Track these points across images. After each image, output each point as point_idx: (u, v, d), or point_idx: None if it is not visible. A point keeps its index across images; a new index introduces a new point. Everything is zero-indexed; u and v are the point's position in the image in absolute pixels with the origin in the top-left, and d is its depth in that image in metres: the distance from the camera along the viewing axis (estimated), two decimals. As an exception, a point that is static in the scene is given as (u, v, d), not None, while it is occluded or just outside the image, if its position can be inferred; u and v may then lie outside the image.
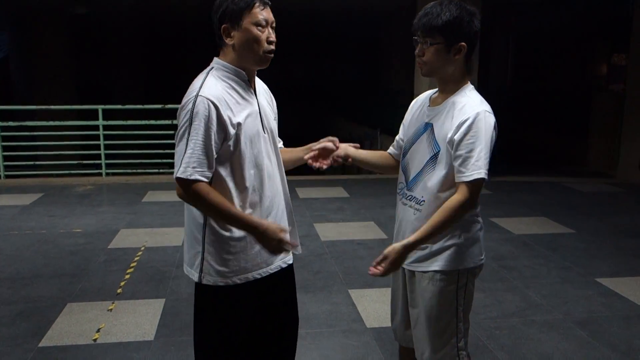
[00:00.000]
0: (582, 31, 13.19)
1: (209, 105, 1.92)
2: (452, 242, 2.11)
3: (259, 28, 1.99)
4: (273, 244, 2.04)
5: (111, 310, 3.86)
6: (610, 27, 12.08)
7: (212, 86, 1.97)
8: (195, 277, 2.13)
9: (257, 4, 1.99)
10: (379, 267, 2.00)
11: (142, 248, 5.16)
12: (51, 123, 8.76)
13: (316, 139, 2.42)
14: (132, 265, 4.72)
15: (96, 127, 8.49)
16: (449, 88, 2.12)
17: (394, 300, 2.40)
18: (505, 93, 14.95)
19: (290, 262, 2.27)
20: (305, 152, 2.37)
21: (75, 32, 13.20)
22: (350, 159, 2.38)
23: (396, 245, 2.02)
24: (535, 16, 13.46)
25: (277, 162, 2.19)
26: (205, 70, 2.06)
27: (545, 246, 5.33)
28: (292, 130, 6.10)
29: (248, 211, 2.06)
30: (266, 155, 2.11)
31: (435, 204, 2.08)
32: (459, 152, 2.00)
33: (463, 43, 2.03)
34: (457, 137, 2.00)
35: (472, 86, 2.13)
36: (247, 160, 2.03)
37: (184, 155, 1.92)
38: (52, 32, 12.11)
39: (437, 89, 2.21)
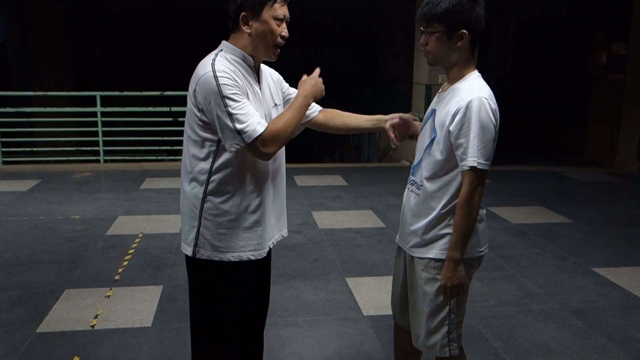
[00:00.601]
0: (582, 20, 13.14)
1: (226, 76, 1.97)
2: (447, 231, 2.11)
3: (277, 22, 2.06)
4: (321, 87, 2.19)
5: (109, 296, 3.87)
6: (610, 17, 12.03)
7: (222, 63, 2.02)
8: (189, 251, 2.15)
9: (279, 0, 2.06)
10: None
11: (140, 235, 5.17)
12: (49, 109, 8.72)
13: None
14: (130, 252, 4.73)
15: (94, 114, 8.46)
16: (453, 75, 2.12)
17: (395, 282, 2.43)
18: (504, 82, 14.92)
19: (283, 235, 2.40)
20: (373, 122, 2.43)
21: (73, 18, 13.12)
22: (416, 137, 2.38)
23: (446, 263, 2.09)
24: (535, 5, 13.41)
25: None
26: (214, 52, 2.09)
27: (542, 235, 5.34)
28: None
29: (245, 182, 2.11)
30: None
31: (429, 189, 2.11)
32: (458, 142, 2.00)
33: (464, 30, 2.02)
34: (452, 127, 2.00)
35: (477, 73, 2.12)
36: None
37: (235, 126, 1.94)
38: (50, 18, 12.03)
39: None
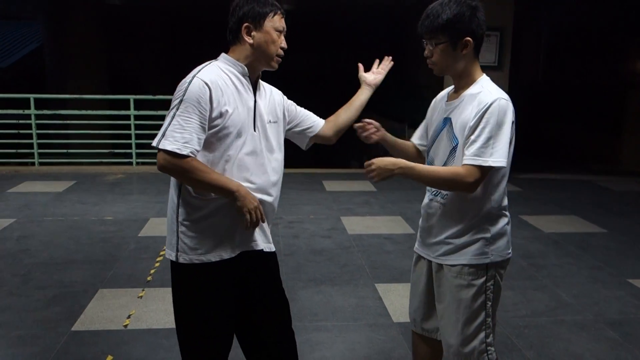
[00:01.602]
0: (617, 26, 12.91)
1: (203, 86, 1.99)
2: (480, 236, 2.12)
3: (277, 33, 2.12)
4: (250, 207, 2.04)
5: (141, 297, 3.92)
6: (647, 23, 11.79)
7: (210, 71, 2.06)
8: (172, 256, 2.17)
9: (280, 12, 2.14)
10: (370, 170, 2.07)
11: (172, 237, 5.22)
12: (84, 112, 8.90)
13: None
14: (161, 253, 4.79)
15: (128, 117, 8.61)
16: (464, 82, 2.13)
17: (415, 291, 2.41)
18: (536, 88, 14.72)
19: (272, 250, 2.31)
20: (361, 91, 2.58)
21: (108, 22, 13.36)
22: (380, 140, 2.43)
23: (392, 157, 2.07)
24: (568, 10, 13.21)
25: (267, 160, 2.19)
26: (209, 61, 2.15)
27: (575, 245, 5.25)
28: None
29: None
30: (252, 152, 2.13)
31: (457, 196, 2.10)
32: (471, 136, 2.01)
33: (468, 38, 2.03)
34: (472, 122, 2.01)
35: (487, 77, 2.13)
36: (228, 149, 2.08)
37: (169, 128, 1.97)
38: (85, 22, 12.26)
39: (453, 86, 2.23)
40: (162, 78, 15.67)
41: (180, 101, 1.99)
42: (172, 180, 2.15)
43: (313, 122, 2.44)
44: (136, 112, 8.56)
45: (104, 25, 13.02)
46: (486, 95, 2.03)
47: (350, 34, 18.08)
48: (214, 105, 2.01)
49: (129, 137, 8.70)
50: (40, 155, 8.64)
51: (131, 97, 8.55)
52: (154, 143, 2.00)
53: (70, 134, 9.49)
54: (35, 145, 8.50)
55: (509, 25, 8.04)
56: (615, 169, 9.76)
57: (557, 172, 8.97)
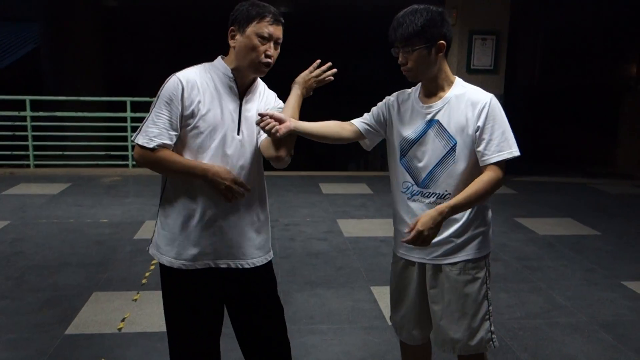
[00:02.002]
0: (612, 30, 12.96)
1: (178, 83, 2.05)
2: (479, 230, 2.21)
3: (260, 39, 2.06)
4: (221, 187, 2.07)
5: (136, 300, 3.92)
6: (643, 26, 11.84)
7: (191, 72, 2.11)
8: (150, 250, 2.25)
9: (268, 18, 2.07)
10: (411, 234, 2.02)
11: (167, 239, 5.22)
12: (80, 114, 8.89)
13: None
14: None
15: (124, 119, 8.60)
16: (440, 85, 2.18)
17: (401, 298, 2.39)
18: (532, 91, 14.76)
19: (246, 267, 2.23)
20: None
21: (104, 24, 13.34)
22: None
23: (429, 210, 2.06)
24: (565, 13, 13.25)
25: (249, 168, 2.18)
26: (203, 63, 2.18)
27: (570, 247, 5.26)
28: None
29: (194, 191, 2.13)
30: (230, 157, 2.13)
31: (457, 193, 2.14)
32: (483, 137, 2.09)
33: (442, 41, 2.10)
34: (480, 123, 2.09)
35: (461, 79, 2.22)
36: (199, 149, 2.10)
37: (145, 124, 2.06)
38: (82, 24, 12.24)
39: (415, 88, 2.28)
40: (159, 80, 15.67)
41: (158, 97, 2.07)
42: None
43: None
44: (132, 114, 8.55)
45: (101, 27, 13.01)
46: (476, 94, 2.13)
47: (350, 36, 18.11)
48: (186, 103, 2.05)
49: (125, 139, 8.69)
50: (36, 157, 8.63)
51: (127, 99, 8.55)
52: (133, 137, 2.10)
53: (66, 136, 9.47)
54: (30, 147, 8.48)
55: (505, 28, 8.06)
56: (610, 171, 9.79)
57: (552, 175, 9.00)
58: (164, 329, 3.44)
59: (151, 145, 2.03)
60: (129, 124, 8.54)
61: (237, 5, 2.12)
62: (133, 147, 8.51)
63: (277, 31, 2.10)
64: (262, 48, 2.07)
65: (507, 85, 8.33)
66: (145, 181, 7.83)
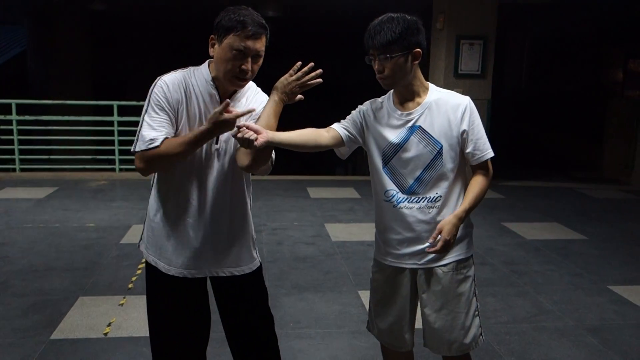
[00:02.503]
0: (598, 36, 13.09)
1: (162, 85, 2.05)
2: (467, 230, 2.27)
3: (235, 52, 1.96)
4: (213, 121, 1.95)
5: (122, 305, 3.89)
6: (627, 33, 11.97)
7: (176, 75, 2.09)
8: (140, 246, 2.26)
9: (248, 30, 1.95)
10: (438, 244, 2.11)
11: (154, 244, 5.19)
12: (66, 118, 8.82)
13: None
14: (143, 260, 4.72)
15: (111, 123, 8.55)
16: (416, 91, 2.20)
17: (388, 304, 2.36)
18: (519, 96, 14.87)
19: (240, 273, 2.24)
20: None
21: (92, 28, 13.28)
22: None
23: (448, 217, 2.14)
24: (551, 20, 13.37)
25: (225, 179, 2.14)
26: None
27: (557, 252, 5.30)
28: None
29: (169, 198, 2.15)
30: (204, 168, 2.11)
31: (453, 195, 2.21)
32: (470, 137, 2.18)
33: (418, 49, 2.12)
34: (465, 126, 2.16)
35: (434, 85, 2.26)
36: None
37: (140, 132, 2.02)
38: (69, 28, 12.19)
39: (386, 96, 2.29)
40: (147, 84, 15.60)
41: (148, 103, 2.05)
42: (155, 174, 2.17)
43: None
44: (120, 118, 8.51)
45: (88, 31, 12.95)
46: (455, 98, 2.20)
47: (340, 43, 18.15)
48: (174, 102, 2.05)
49: (112, 143, 8.63)
50: (22, 161, 8.55)
51: (114, 103, 8.50)
52: (132, 149, 2.03)
53: (53, 140, 9.40)
54: (16, 151, 8.40)
55: (493, 33, 8.12)
56: (596, 176, 9.87)
57: (538, 180, 9.05)
58: (150, 334, 3.45)
59: (154, 144, 1.97)
60: (115, 128, 8.49)
61: (222, 11, 2.03)
62: (120, 151, 8.47)
63: (257, 45, 1.99)
64: (237, 63, 1.97)
65: (495, 90, 8.38)
66: (132, 185, 7.79)
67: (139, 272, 4.49)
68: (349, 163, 16.19)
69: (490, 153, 2.21)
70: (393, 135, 2.20)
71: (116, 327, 3.55)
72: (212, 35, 2.03)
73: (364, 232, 5.72)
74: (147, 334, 3.41)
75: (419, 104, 2.19)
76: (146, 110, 2.04)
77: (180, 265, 2.16)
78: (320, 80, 2.16)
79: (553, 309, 4.01)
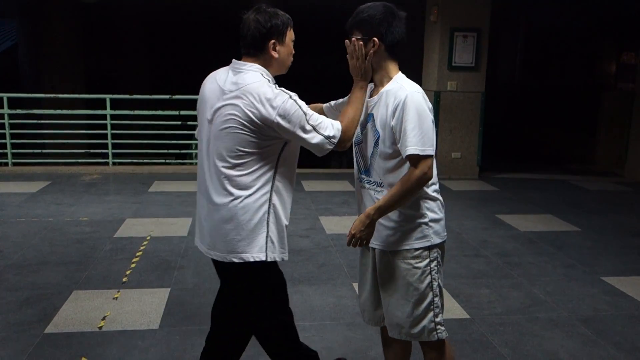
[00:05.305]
0: (591, 29, 13.11)
1: (291, 93, 2.18)
2: (419, 221, 2.26)
3: (292, 43, 2.29)
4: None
5: (117, 298, 3.88)
6: (620, 25, 12.00)
7: (270, 85, 2.17)
8: (256, 257, 2.23)
9: (291, 24, 2.28)
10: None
11: (148, 238, 5.18)
12: (59, 111, 8.77)
13: None
14: (137, 254, 4.74)
15: (104, 117, 8.51)
16: (379, 79, 2.30)
17: (362, 281, 2.53)
18: (513, 89, 14.89)
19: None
20: None
21: (84, 20, 13.19)
22: None
23: (361, 215, 2.23)
24: (545, 13, 13.39)
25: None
26: (260, 74, 2.18)
27: (550, 244, 5.32)
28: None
29: (286, 191, 2.32)
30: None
31: (389, 184, 2.25)
32: (399, 132, 2.16)
33: (375, 39, 2.20)
34: (394, 122, 2.17)
35: (402, 74, 2.29)
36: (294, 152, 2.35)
37: (318, 127, 2.16)
38: (61, 21, 12.09)
39: (373, 83, 2.38)
40: (139, 78, 15.53)
41: (299, 108, 2.14)
42: (261, 178, 2.20)
43: None
44: (112, 112, 8.47)
45: (81, 24, 12.86)
46: (399, 90, 2.20)
47: (333, 38, 18.11)
48: None
49: (105, 137, 8.60)
50: (14, 155, 8.50)
51: (107, 96, 8.45)
52: (329, 134, 2.19)
53: (45, 134, 9.34)
54: (8, 145, 8.35)
55: (486, 26, 8.11)
56: (589, 168, 9.90)
57: (532, 172, 9.08)
58: (144, 327, 3.45)
59: (333, 131, 2.17)
60: (108, 122, 8.45)
61: (259, 19, 2.17)
62: (113, 145, 8.43)
63: None
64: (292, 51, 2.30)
65: (488, 82, 8.39)
66: (126, 179, 7.76)
67: (133, 265, 4.48)
68: (343, 156, 16.18)
69: (411, 150, 2.11)
70: (363, 118, 2.33)
71: (111, 321, 3.54)
72: (273, 41, 2.20)
73: (359, 224, 5.71)
74: (142, 327, 3.44)
75: (378, 92, 2.28)
76: (302, 108, 2.14)
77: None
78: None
79: (547, 300, 4.02)
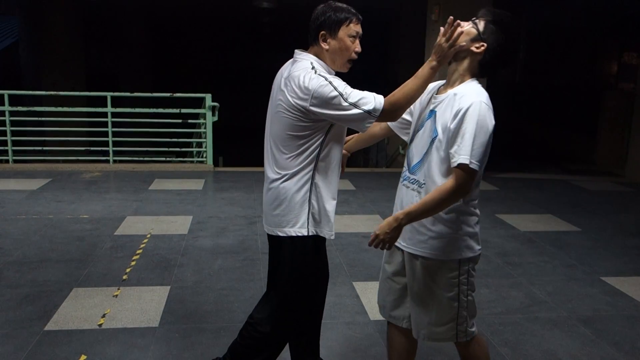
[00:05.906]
0: (593, 28, 13.11)
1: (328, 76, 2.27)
2: (453, 233, 2.20)
3: (351, 39, 2.32)
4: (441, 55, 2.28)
5: (116, 296, 3.88)
6: (621, 25, 11.99)
7: (316, 71, 2.28)
8: (298, 232, 2.41)
9: (354, 20, 2.32)
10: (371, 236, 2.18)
11: (148, 235, 5.19)
12: (60, 109, 8.77)
13: None
14: (137, 252, 4.75)
15: (104, 114, 8.51)
16: (453, 80, 2.24)
17: (384, 278, 2.49)
18: (514, 88, 14.88)
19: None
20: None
21: (85, 18, 13.21)
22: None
23: (389, 217, 2.17)
24: (546, 12, 13.37)
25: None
26: (306, 59, 2.33)
27: (550, 243, 5.32)
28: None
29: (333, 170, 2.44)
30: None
31: (433, 187, 2.17)
32: (451, 139, 2.09)
33: (485, 44, 2.20)
34: (452, 125, 2.09)
35: (477, 82, 2.22)
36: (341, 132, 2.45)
37: (361, 98, 2.22)
38: (62, 18, 12.11)
39: (445, 80, 2.31)
40: (140, 75, 15.55)
41: (335, 88, 2.21)
42: (306, 159, 2.33)
43: None
44: (113, 110, 8.46)
45: (82, 22, 12.87)
46: (466, 97, 2.10)
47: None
48: None
49: (105, 134, 8.59)
50: (15, 152, 8.50)
51: (108, 94, 8.45)
52: (370, 107, 2.22)
53: (46, 131, 9.34)
54: (9, 143, 8.35)
55: (487, 25, 8.09)
56: (590, 168, 9.91)
57: (533, 172, 9.08)
58: (144, 324, 3.46)
59: (372, 105, 2.22)
60: (109, 119, 8.44)
61: (318, 11, 2.31)
62: (114, 142, 8.44)
63: (360, 28, 2.36)
64: (353, 47, 2.33)
65: (488, 83, 8.36)
66: (126, 177, 7.76)
67: (133, 263, 4.49)
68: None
69: (461, 159, 2.04)
70: (420, 117, 2.31)
71: (110, 318, 3.54)
72: (323, 32, 2.30)
73: (359, 223, 5.73)
74: (142, 325, 3.44)
75: (446, 92, 2.22)
76: (343, 92, 2.19)
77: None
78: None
79: (546, 299, 4.03)
